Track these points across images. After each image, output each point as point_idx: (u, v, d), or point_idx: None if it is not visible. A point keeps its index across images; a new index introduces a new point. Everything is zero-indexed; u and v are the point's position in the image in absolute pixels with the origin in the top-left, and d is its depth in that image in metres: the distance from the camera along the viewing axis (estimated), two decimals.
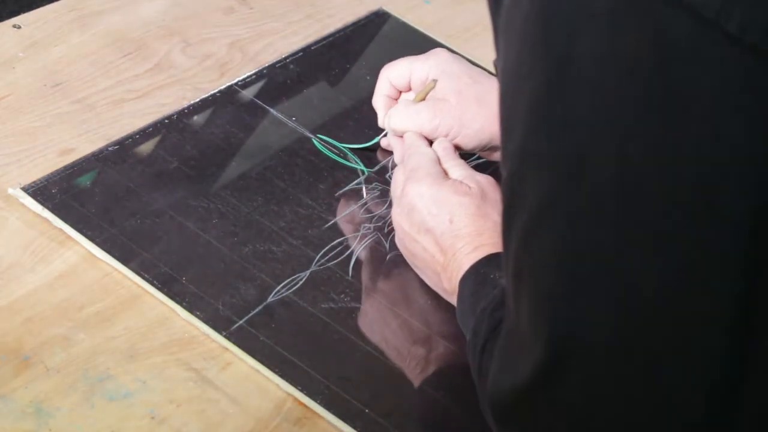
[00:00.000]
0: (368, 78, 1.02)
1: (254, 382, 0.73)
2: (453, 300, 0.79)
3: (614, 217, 0.50)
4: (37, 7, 0.99)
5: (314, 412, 0.72)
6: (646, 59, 0.47)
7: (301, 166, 0.90)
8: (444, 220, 0.79)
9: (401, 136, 0.89)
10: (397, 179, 0.84)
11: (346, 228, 0.86)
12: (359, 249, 0.83)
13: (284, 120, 0.94)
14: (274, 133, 0.93)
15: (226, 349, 0.74)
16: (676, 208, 0.48)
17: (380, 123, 0.92)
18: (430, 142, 0.88)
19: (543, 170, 0.52)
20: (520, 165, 0.54)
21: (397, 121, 0.89)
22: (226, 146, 0.90)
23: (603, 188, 0.50)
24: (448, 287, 0.79)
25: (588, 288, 0.52)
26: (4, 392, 0.68)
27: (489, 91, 0.88)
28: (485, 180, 0.82)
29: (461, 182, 0.81)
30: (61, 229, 0.79)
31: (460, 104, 0.88)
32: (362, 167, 0.91)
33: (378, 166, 0.92)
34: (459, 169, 0.83)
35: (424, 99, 0.91)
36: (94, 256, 0.78)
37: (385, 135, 0.92)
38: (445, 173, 0.83)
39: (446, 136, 0.88)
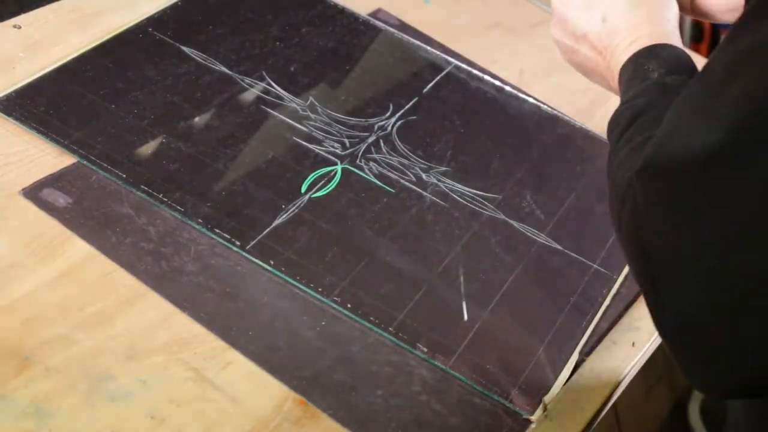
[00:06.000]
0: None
1: (254, 382, 0.73)
2: None
3: None
4: (37, 7, 0.99)
5: (314, 412, 0.72)
6: None
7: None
8: (596, 21, 0.76)
9: None
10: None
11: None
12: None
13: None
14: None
15: (226, 348, 0.74)
16: None
17: None
18: None
19: None
20: None
21: None
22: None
23: None
24: (615, 86, 0.76)
25: None
26: (4, 392, 0.68)
27: None
28: None
29: None
30: (61, 229, 0.79)
31: None
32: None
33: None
34: None
35: None
36: (95, 256, 0.78)
37: None
38: None
39: None
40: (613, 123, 0.70)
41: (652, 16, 0.76)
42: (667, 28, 0.75)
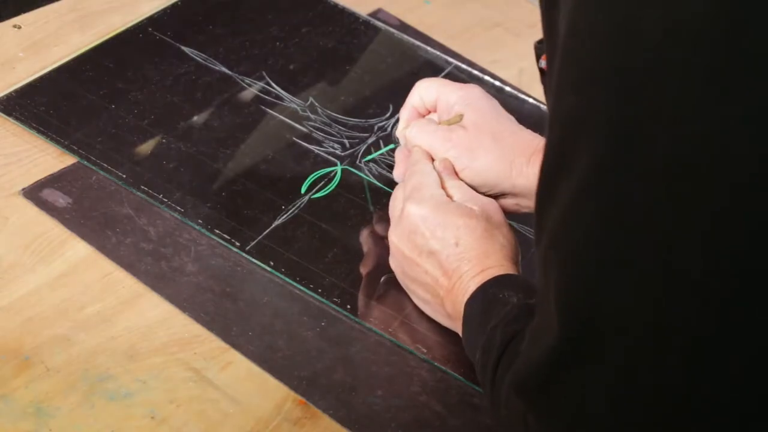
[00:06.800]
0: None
1: (254, 382, 0.73)
2: (453, 325, 0.78)
3: (669, 193, 0.48)
4: (37, 7, 0.99)
5: (314, 412, 0.72)
6: (716, 28, 0.46)
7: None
8: (449, 243, 0.77)
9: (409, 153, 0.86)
10: (397, 197, 0.82)
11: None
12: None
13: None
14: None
15: (226, 348, 0.74)
16: (736, 189, 0.47)
17: (398, 131, 0.88)
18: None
19: (599, 137, 0.50)
20: (573, 129, 0.52)
21: (413, 132, 0.85)
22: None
23: (659, 162, 0.48)
24: (452, 311, 0.77)
25: (628, 263, 0.50)
26: (4, 392, 0.68)
27: (509, 133, 0.84)
28: (488, 202, 0.80)
29: (465, 204, 0.79)
30: (61, 229, 0.79)
31: (476, 136, 0.83)
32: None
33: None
34: (460, 191, 0.80)
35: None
36: (95, 256, 0.78)
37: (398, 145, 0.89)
38: (447, 194, 0.80)
39: (453, 164, 0.83)
40: (484, 350, 0.70)
41: (503, 250, 0.78)
42: (512, 264, 0.77)
